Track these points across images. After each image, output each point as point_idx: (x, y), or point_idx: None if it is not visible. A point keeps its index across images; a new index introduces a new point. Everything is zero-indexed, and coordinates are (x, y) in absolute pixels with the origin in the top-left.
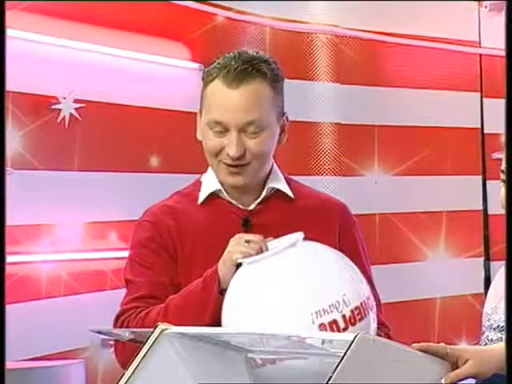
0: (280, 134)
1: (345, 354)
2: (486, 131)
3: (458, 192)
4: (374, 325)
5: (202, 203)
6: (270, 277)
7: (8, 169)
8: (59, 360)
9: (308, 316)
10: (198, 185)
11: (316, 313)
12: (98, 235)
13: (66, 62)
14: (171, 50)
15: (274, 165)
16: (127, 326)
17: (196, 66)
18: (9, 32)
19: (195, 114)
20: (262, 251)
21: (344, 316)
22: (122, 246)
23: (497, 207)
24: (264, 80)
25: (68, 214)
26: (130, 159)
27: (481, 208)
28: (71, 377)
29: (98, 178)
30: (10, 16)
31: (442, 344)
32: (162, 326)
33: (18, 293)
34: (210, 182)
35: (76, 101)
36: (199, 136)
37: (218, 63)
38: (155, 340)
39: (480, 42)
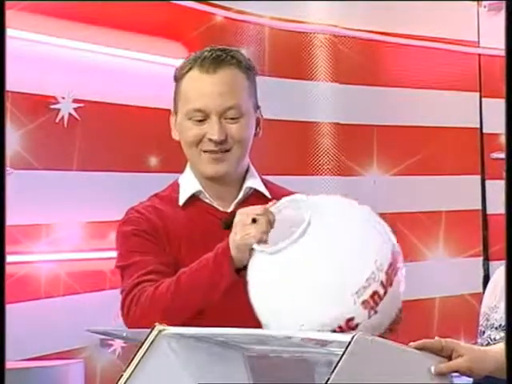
0: (256, 127)
1: (343, 354)
2: (484, 131)
3: (457, 192)
4: (403, 269)
5: (183, 205)
6: (299, 267)
7: (7, 168)
8: (58, 360)
9: (349, 299)
10: (175, 187)
11: (356, 293)
12: (97, 235)
13: (64, 62)
14: (170, 49)
15: (250, 164)
16: (137, 301)
17: None
18: (7, 32)
19: None
20: (271, 226)
21: (382, 282)
22: None
23: (496, 207)
24: (239, 67)
25: (67, 214)
26: (128, 159)
27: (480, 208)
28: (70, 377)
29: (96, 177)
30: (8, 16)
31: (436, 338)
32: (159, 326)
33: (17, 293)
34: (189, 184)
35: (75, 101)
36: (175, 135)
37: (190, 58)
38: (153, 340)
39: (479, 42)
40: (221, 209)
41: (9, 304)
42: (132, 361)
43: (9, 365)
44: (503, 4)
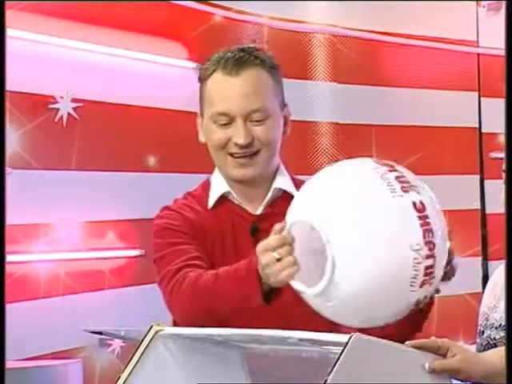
0: (283, 126)
1: (340, 354)
2: (483, 130)
3: (456, 191)
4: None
5: (213, 206)
6: (345, 295)
7: (6, 168)
8: (57, 360)
9: (408, 294)
10: (206, 186)
11: (412, 285)
12: (96, 235)
13: (63, 62)
14: (169, 49)
15: (281, 163)
16: (179, 288)
17: (194, 65)
18: (7, 31)
19: (193, 113)
20: (293, 256)
21: (427, 256)
22: (119, 245)
23: (494, 206)
24: (263, 67)
25: (66, 214)
26: (127, 159)
27: (479, 207)
28: (69, 376)
29: (95, 177)
30: (8, 15)
31: (433, 338)
32: (156, 327)
33: (16, 292)
34: (218, 184)
35: (74, 100)
36: (202, 138)
37: (213, 58)
38: (150, 341)
39: (478, 42)
40: (250, 210)
41: (7, 304)
42: (129, 362)
43: (7, 364)
44: (502, 4)
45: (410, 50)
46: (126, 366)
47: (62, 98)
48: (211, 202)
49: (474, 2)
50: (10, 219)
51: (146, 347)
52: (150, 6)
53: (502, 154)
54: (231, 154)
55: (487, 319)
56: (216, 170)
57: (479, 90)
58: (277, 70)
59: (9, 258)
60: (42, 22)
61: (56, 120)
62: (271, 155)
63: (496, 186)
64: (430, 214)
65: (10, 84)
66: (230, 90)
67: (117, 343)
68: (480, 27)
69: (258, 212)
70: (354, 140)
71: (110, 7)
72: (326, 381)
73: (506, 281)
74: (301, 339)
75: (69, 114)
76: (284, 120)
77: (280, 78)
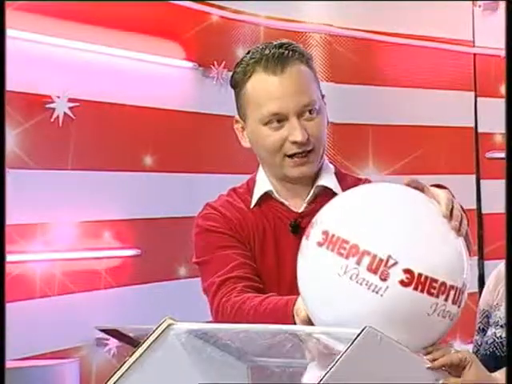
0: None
1: (350, 345)
2: (479, 130)
3: (452, 191)
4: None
5: (256, 203)
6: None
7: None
8: (53, 359)
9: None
10: (251, 183)
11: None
12: (92, 234)
13: (59, 61)
14: (166, 48)
15: (326, 158)
16: (223, 309)
17: (191, 64)
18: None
19: (190, 113)
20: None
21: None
22: (116, 245)
23: (491, 206)
24: (302, 61)
25: (62, 213)
26: (123, 158)
27: (475, 207)
28: (65, 376)
29: (91, 177)
30: None
31: (454, 352)
32: (169, 320)
33: (12, 292)
34: (262, 183)
35: (70, 100)
36: (246, 143)
37: (247, 60)
38: (160, 334)
39: (474, 42)
40: (292, 208)
41: None
42: (135, 352)
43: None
44: (498, 4)
45: (407, 49)
46: (130, 355)
47: (58, 97)
48: (254, 200)
49: (470, 2)
50: (7, 219)
51: (156, 338)
52: (147, 6)
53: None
54: (288, 155)
55: (488, 317)
56: (260, 169)
57: (475, 90)
58: (312, 63)
59: None
60: (38, 22)
61: (52, 120)
62: (323, 151)
63: (492, 185)
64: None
65: (7, 84)
66: (279, 89)
67: (113, 343)
68: (476, 27)
69: (301, 210)
70: (350, 140)
71: (106, 6)
72: (331, 368)
73: (506, 281)
74: (309, 333)
75: (65, 113)
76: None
77: (316, 71)
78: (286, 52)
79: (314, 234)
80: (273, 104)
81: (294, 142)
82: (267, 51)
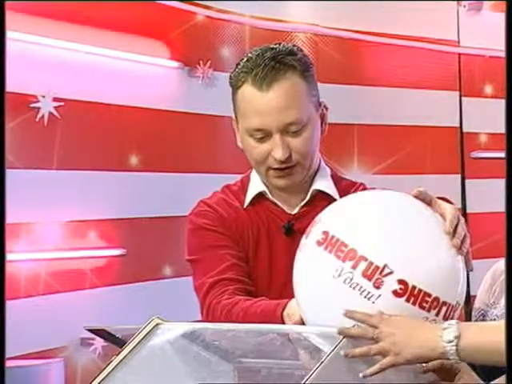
0: (321, 125)
1: (336, 346)
2: (464, 130)
3: (437, 191)
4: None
5: (250, 203)
6: None
7: None
8: (38, 359)
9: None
10: (245, 182)
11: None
12: (77, 234)
13: (44, 61)
14: (151, 48)
15: (322, 161)
16: (213, 311)
17: (176, 64)
18: None
19: (176, 112)
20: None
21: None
22: (101, 244)
23: (475, 206)
24: (294, 73)
25: (47, 213)
26: (109, 158)
27: (459, 207)
28: (50, 376)
29: (77, 176)
30: None
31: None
32: (157, 320)
33: None
34: (257, 182)
35: (55, 99)
36: (240, 143)
37: (243, 66)
38: (148, 333)
39: (459, 41)
40: (286, 209)
41: None
42: (122, 351)
43: None
44: (483, 4)
45: (392, 49)
46: (119, 353)
47: (43, 97)
48: (248, 200)
49: (455, 2)
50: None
51: (143, 337)
52: (132, 5)
53: (483, 154)
54: (272, 168)
55: (484, 315)
56: (254, 169)
57: (460, 90)
58: (309, 71)
59: None
60: (24, 21)
61: (37, 119)
62: (310, 162)
63: (477, 185)
64: None
65: None
66: (263, 107)
67: (98, 343)
68: (461, 27)
69: (294, 212)
70: (336, 139)
71: (91, 6)
72: (315, 370)
73: (506, 281)
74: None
75: (50, 113)
76: (321, 119)
77: (314, 78)
78: (278, 65)
79: (314, 232)
80: (256, 119)
81: (275, 159)
82: (260, 61)
